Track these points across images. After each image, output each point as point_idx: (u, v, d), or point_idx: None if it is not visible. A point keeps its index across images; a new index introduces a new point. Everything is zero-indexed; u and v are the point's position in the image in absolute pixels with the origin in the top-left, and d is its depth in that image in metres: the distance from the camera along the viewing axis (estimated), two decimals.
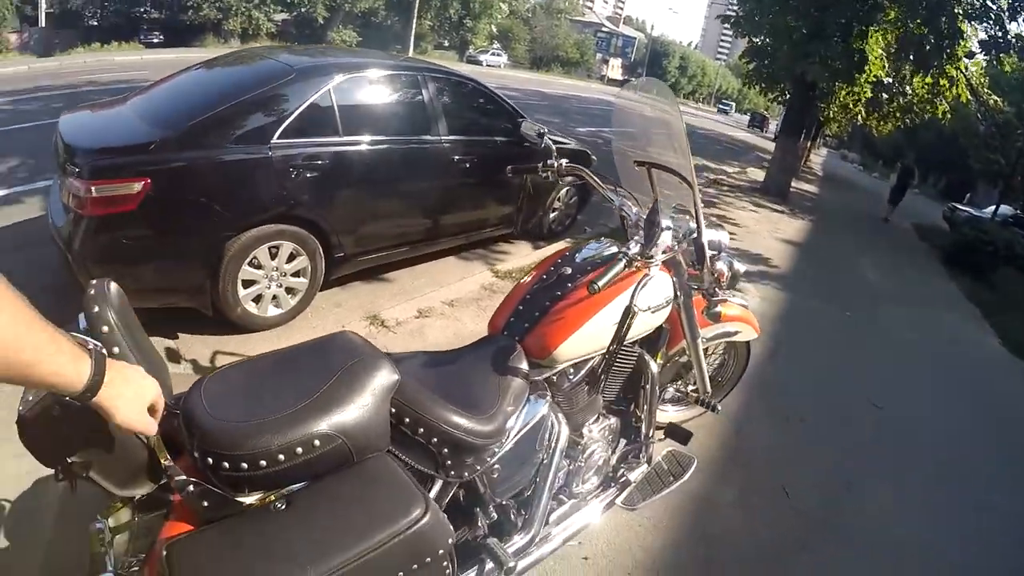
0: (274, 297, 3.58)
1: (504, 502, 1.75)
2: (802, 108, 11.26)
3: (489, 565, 1.62)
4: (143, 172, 2.92)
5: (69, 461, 1.02)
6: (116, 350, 1.08)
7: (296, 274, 3.62)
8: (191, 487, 1.12)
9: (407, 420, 1.39)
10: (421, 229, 4.38)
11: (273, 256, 3.47)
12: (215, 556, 1.05)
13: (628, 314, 1.61)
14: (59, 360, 0.81)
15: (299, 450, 1.13)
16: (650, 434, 2.16)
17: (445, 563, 1.20)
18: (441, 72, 4.51)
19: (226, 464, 1.10)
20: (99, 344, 0.88)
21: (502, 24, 45.70)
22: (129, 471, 1.11)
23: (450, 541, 1.20)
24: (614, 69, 68.55)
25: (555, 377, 1.81)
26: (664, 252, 1.77)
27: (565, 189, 5.71)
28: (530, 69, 47.52)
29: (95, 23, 26.86)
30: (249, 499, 1.15)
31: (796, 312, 5.50)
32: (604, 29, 67.38)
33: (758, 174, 13.50)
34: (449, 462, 1.47)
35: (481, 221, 4.99)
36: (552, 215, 5.81)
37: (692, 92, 72.05)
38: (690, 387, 2.75)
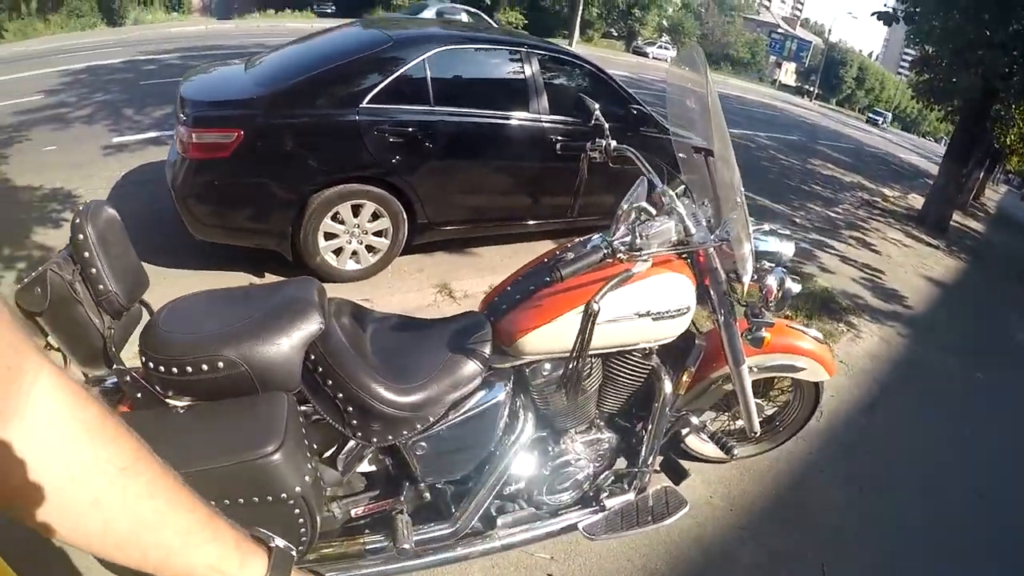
0: (354, 253, 3.78)
1: (438, 484, 1.69)
2: (973, 131, 9.76)
3: (386, 541, 1.61)
4: (237, 124, 3.23)
5: (45, 341, 1.28)
6: (93, 271, 1.30)
7: (378, 234, 3.80)
8: (128, 378, 1.32)
9: (320, 370, 1.42)
10: (509, 207, 4.37)
11: (356, 214, 3.66)
12: None
13: (589, 313, 1.37)
14: (215, 552, 0.59)
15: (204, 367, 1.27)
16: (649, 461, 1.90)
17: (296, 509, 1.22)
18: (548, 50, 4.41)
19: (151, 364, 1.29)
20: (290, 546, 0.68)
21: (672, 17, 44.28)
22: (89, 354, 1.34)
23: (298, 489, 1.20)
24: (787, 74, 64.55)
25: (528, 369, 1.66)
26: (662, 247, 1.50)
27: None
28: None
29: None
30: (173, 402, 1.31)
31: (916, 363, 4.56)
32: (779, 30, 63.45)
33: (919, 202, 12.16)
34: (355, 422, 1.45)
35: (578, 207, 4.80)
36: None
37: (869, 106, 66.09)
38: (738, 422, 2.43)
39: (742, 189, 1.59)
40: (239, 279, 3.69)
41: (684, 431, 2.31)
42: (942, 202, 10.27)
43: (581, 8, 28.59)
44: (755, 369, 2.09)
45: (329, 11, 28.39)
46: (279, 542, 0.66)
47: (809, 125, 23.65)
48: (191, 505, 0.60)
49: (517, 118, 4.07)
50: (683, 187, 1.83)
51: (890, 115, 58.51)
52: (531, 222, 4.48)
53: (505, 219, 4.40)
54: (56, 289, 1.26)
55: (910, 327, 5.27)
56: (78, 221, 1.30)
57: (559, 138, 4.17)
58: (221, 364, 1.27)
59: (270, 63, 3.92)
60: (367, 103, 3.47)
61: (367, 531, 1.64)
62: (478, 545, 1.74)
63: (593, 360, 1.70)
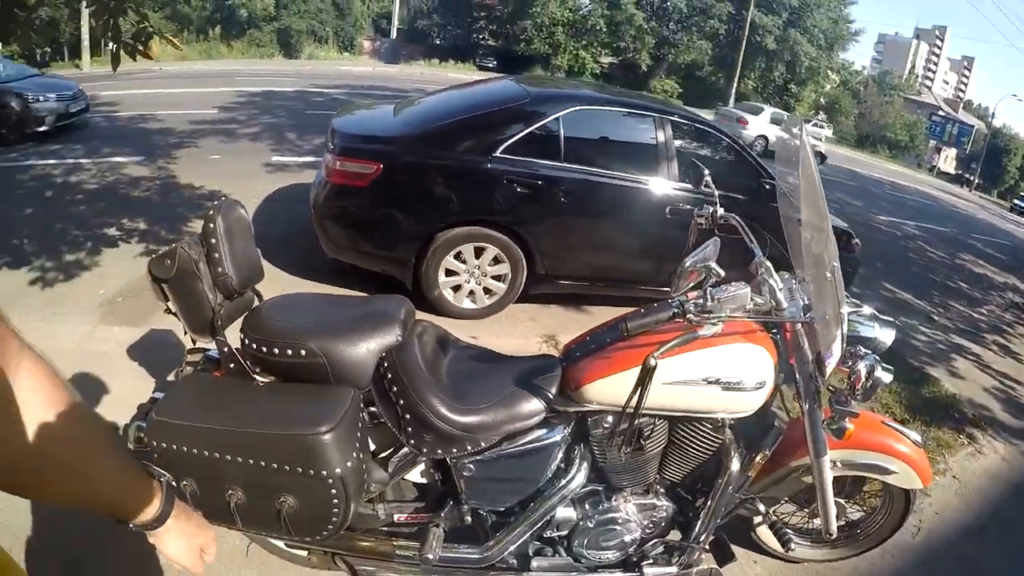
0: (471, 292, 3.89)
1: (480, 510, 1.72)
2: None
3: (416, 545, 1.67)
4: (378, 158, 3.50)
5: (166, 305, 1.53)
6: (216, 255, 1.49)
7: (497, 278, 3.89)
8: (226, 349, 1.52)
9: (389, 376, 1.53)
10: (626, 269, 4.32)
11: (478, 255, 3.79)
12: (205, 386, 1.53)
13: (646, 368, 1.35)
14: (127, 484, 0.79)
15: (289, 351, 1.46)
16: (702, 538, 1.80)
17: (332, 489, 1.33)
18: (685, 118, 4.39)
19: (247, 341, 1.50)
20: (168, 477, 0.87)
21: (830, 94, 42.86)
22: (199, 324, 1.53)
23: (338, 471, 1.31)
24: (946, 160, 59.79)
25: (591, 419, 1.66)
26: (736, 312, 1.44)
27: None
28: (854, 147, 43.58)
29: (438, 42, 31.45)
30: (259, 378, 1.52)
31: None
32: (940, 113, 59.13)
33: None
34: (409, 429, 1.53)
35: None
36: None
37: None
38: (817, 520, 2.19)
39: (836, 264, 1.54)
40: None
41: (756, 519, 2.17)
42: None
43: (737, 81, 28.30)
44: (839, 464, 1.94)
45: (490, 65, 30.03)
46: (165, 476, 0.86)
47: (964, 217, 21.83)
48: (115, 454, 0.77)
49: (643, 182, 4.05)
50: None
51: None
52: (645, 286, 4.40)
53: (622, 280, 4.36)
54: (182, 263, 1.46)
55: None
56: (211, 212, 1.51)
57: (683, 205, 4.09)
58: (303, 352, 1.45)
59: (418, 107, 4.20)
60: (500, 152, 3.61)
61: (403, 537, 1.71)
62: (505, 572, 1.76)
63: (657, 422, 1.66)
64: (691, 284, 1.54)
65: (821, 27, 32.81)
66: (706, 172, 2.24)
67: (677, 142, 4.19)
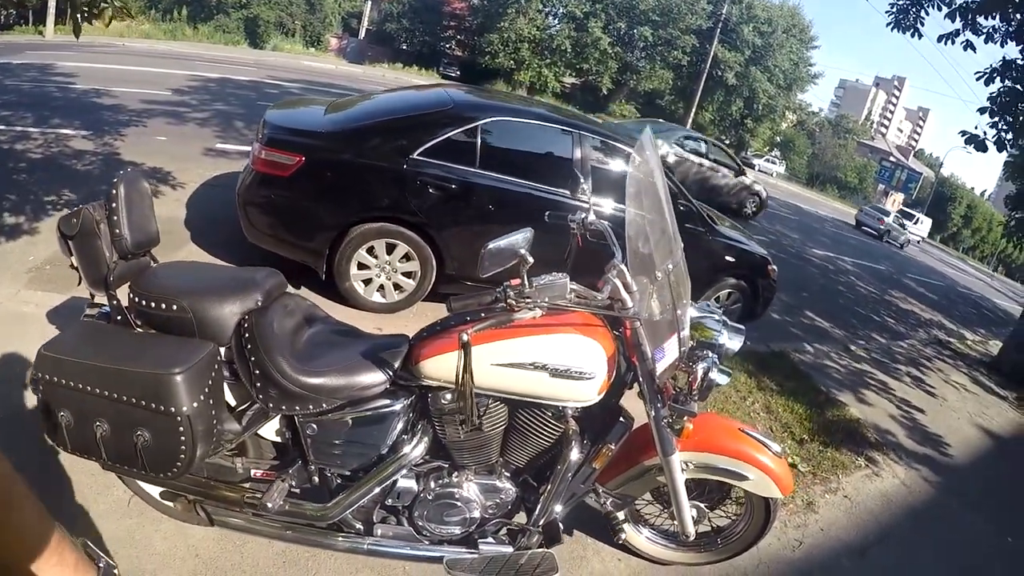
0: (381, 287, 4.08)
1: (326, 472, 1.86)
2: None
3: (254, 494, 1.84)
4: (301, 150, 3.68)
5: (71, 260, 1.74)
6: (114, 218, 1.69)
7: (408, 275, 4.08)
8: (115, 303, 1.72)
9: (246, 335, 1.71)
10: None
11: (390, 251, 3.98)
12: (90, 331, 1.72)
13: (461, 344, 1.51)
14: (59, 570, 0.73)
15: (163, 305, 1.66)
16: (540, 522, 1.90)
17: (180, 427, 1.52)
18: (604, 136, 4.50)
19: (131, 294, 1.71)
20: (112, 563, 0.81)
21: (785, 132, 44.56)
22: (95, 279, 1.74)
23: (185, 409, 1.50)
24: (894, 204, 62.62)
25: (431, 394, 1.78)
26: (553, 300, 1.54)
27: (727, 291, 5.14)
28: (805, 185, 45.52)
29: (405, 47, 31.44)
30: (139, 330, 1.72)
31: (935, 515, 3.99)
32: (891, 158, 62.01)
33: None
34: (258, 384, 1.69)
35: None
36: None
37: (974, 247, 62.93)
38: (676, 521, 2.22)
39: (673, 267, 1.70)
40: None
41: (620, 516, 2.24)
42: (1021, 349, 9.59)
43: (694, 111, 29.07)
44: (691, 466, 2.03)
45: (453, 74, 30.14)
46: (106, 561, 0.81)
47: (902, 257, 22.83)
48: (50, 534, 0.72)
49: (553, 192, 4.19)
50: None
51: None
52: None
53: None
54: (85, 223, 1.69)
55: (941, 476, 4.71)
56: (115, 180, 1.72)
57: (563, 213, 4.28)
58: (175, 307, 1.66)
59: (350, 106, 4.41)
60: (418, 155, 3.81)
61: (257, 491, 1.87)
62: (341, 540, 1.90)
63: (494, 403, 1.77)
64: (498, 269, 1.59)
65: (782, 67, 34.01)
66: (583, 180, 2.42)
67: (597, 160, 4.39)
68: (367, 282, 4.03)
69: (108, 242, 1.72)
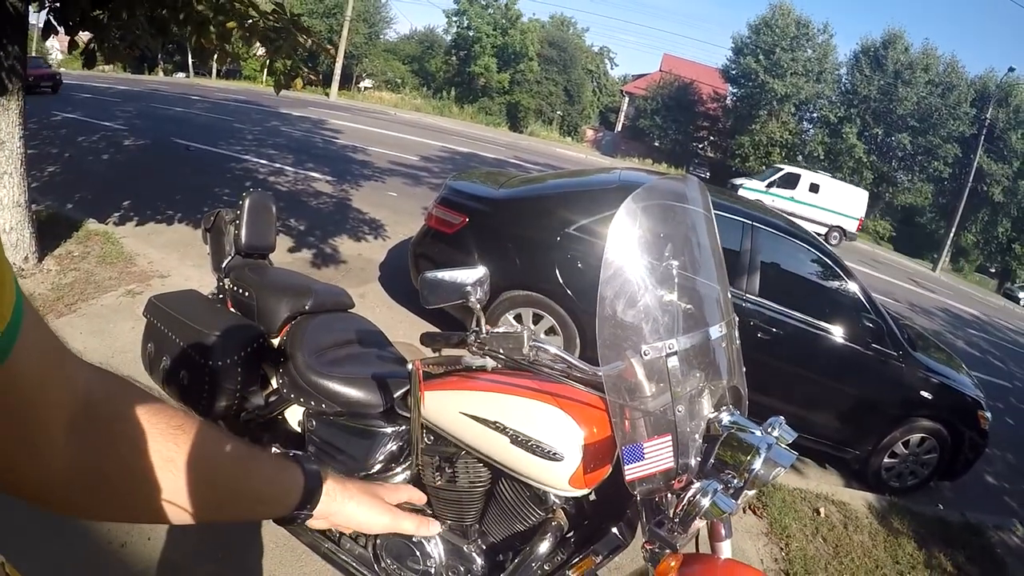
0: None
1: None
2: None
3: None
4: (466, 211, 4.00)
5: (208, 248, 2.28)
6: (237, 222, 2.16)
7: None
8: (218, 284, 2.21)
9: (288, 329, 1.99)
10: None
11: (536, 322, 4.05)
12: (193, 297, 2.13)
13: (409, 374, 1.49)
14: (270, 473, 0.69)
15: (242, 292, 2.08)
16: None
17: (206, 376, 1.84)
18: (779, 229, 4.19)
19: (230, 284, 2.11)
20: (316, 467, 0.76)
21: None
22: (217, 264, 2.23)
23: (211, 364, 1.81)
24: None
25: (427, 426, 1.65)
26: (509, 354, 1.38)
27: (919, 435, 4.19)
28: None
29: (657, 144, 32.23)
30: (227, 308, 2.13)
31: None
32: None
33: None
34: (280, 371, 1.90)
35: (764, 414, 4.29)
36: (887, 460, 4.24)
37: None
38: None
39: (689, 344, 1.32)
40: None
41: None
42: None
43: (953, 232, 24.98)
44: None
45: (703, 175, 29.75)
46: (310, 465, 0.75)
47: None
48: (242, 447, 0.66)
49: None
50: None
51: None
52: None
53: None
54: (218, 221, 2.18)
55: None
56: (244, 195, 2.18)
57: (761, 325, 3.97)
58: (247, 295, 2.05)
59: (530, 181, 4.69)
60: (573, 230, 3.89)
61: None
62: (306, 535, 1.89)
63: (474, 460, 1.59)
64: (441, 304, 1.50)
65: None
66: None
67: (767, 255, 4.09)
68: None
69: (230, 240, 2.17)
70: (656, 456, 1.29)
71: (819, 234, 11.51)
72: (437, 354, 1.61)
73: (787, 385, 4.10)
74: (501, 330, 1.40)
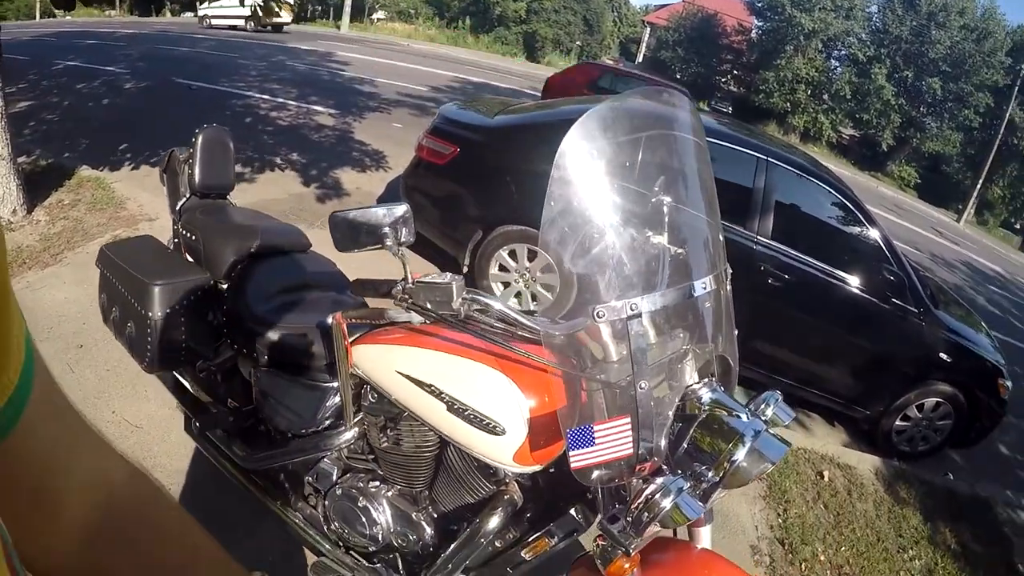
0: (518, 293, 3.97)
1: (268, 425, 1.81)
2: None
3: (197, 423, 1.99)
4: (456, 141, 3.79)
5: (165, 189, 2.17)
6: (191, 161, 1.98)
7: (547, 288, 3.88)
8: (175, 227, 2.07)
9: (233, 274, 1.88)
10: None
11: (531, 259, 3.84)
12: (146, 244, 2.04)
13: (333, 328, 1.39)
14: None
15: (189, 235, 1.95)
16: None
17: (148, 328, 1.74)
18: (798, 167, 3.90)
19: (179, 227, 2.02)
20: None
21: None
22: (173, 203, 2.11)
23: (150, 315, 1.71)
24: None
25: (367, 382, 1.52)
26: (439, 308, 1.20)
27: (935, 399, 3.96)
28: None
29: (678, 76, 31.03)
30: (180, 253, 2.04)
31: None
32: None
33: None
34: (224, 319, 1.85)
35: (773, 365, 3.94)
36: (899, 423, 4.02)
37: None
38: None
39: (660, 298, 1.07)
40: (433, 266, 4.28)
41: None
42: None
43: (980, 184, 23.77)
44: None
45: (725, 109, 28.75)
46: None
47: None
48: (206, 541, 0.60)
49: (725, 228, 3.73)
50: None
51: None
52: None
53: None
54: (172, 162, 2.06)
55: None
56: (198, 131, 1.98)
57: (773, 270, 3.75)
58: (193, 238, 1.92)
59: (527, 109, 4.44)
60: None
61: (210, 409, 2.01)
62: (255, 490, 1.86)
63: (415, 422, 1.43)
64: (355, 249, 1.29)
65: None
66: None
67: (781, 194, 3.81)
68: (506, 285, 3.97)
69: (184, 179, 2.02)
70: (609, 441, 1.05)
71: None
72: (364, 306, 1.50)
73: (798, 336, 3.93)
74: (428, 279, 1.21)
